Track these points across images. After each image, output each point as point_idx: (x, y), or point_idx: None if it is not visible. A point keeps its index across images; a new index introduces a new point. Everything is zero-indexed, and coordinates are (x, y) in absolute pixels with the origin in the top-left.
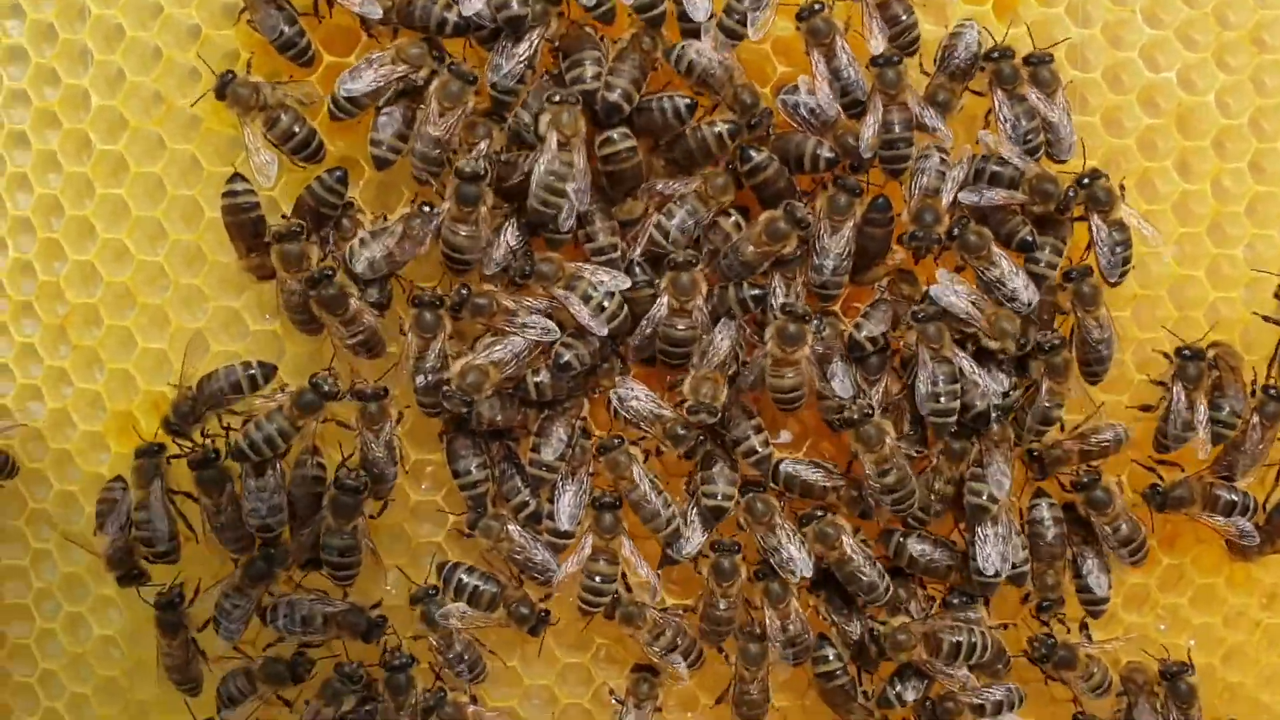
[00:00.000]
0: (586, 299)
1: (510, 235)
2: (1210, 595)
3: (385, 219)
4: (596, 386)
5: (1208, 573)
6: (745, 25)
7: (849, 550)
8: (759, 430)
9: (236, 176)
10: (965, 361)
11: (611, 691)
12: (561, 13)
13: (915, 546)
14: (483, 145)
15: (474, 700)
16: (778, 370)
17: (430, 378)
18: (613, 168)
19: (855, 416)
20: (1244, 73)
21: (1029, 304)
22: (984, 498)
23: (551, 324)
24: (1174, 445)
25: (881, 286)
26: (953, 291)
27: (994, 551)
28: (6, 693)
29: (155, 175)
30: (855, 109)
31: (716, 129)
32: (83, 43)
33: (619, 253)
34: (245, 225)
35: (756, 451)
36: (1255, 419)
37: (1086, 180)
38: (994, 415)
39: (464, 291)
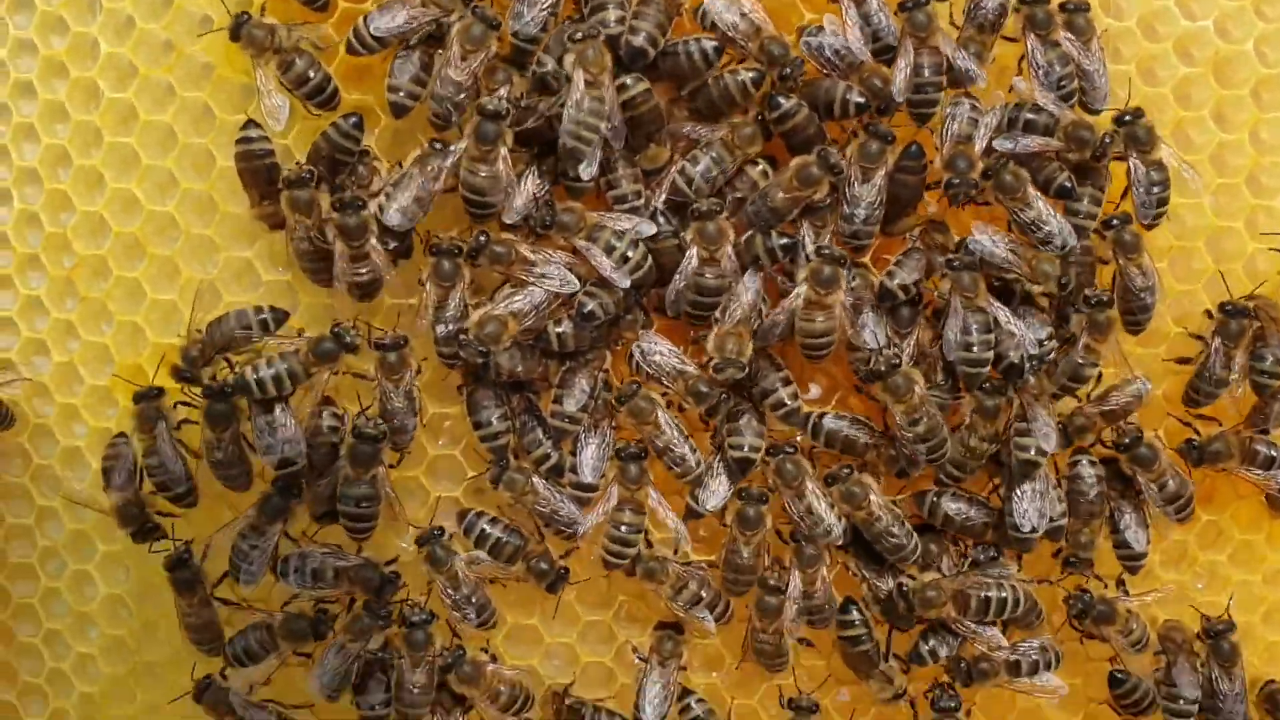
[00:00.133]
0: (609, 250)
1: (531, 183)
2: (1250, 552)
3: (401, 166)
4: (619, 339)
5: (1247, 529)
6: None
7: (877, 509)
8: (787, 383)
9: (251, 123)
10: (1001, 311)
11: (635, 649)
12: None
13: (950, 505)
14: (503, 91)
15: (493, 659)
16: (809, 314)
17: (451, 327)
18: (631, 113)
19: (883, 368)
20: None
21: (1067, 245)
22: (1032, 452)
23: (571, 276)
24: (1205, 400)
25: (913, 236)
26: (990, 240)
27: (1031, 507)
28: (11, 652)
29: (166, 124)
30: (885, 55)
31: (740, 77)
32: None
33: (642, 200)
34: (259, 172)
35: (785, 404)
36: None
37: (1127, 118)
38: (1028, 366)
39: (482, 238)
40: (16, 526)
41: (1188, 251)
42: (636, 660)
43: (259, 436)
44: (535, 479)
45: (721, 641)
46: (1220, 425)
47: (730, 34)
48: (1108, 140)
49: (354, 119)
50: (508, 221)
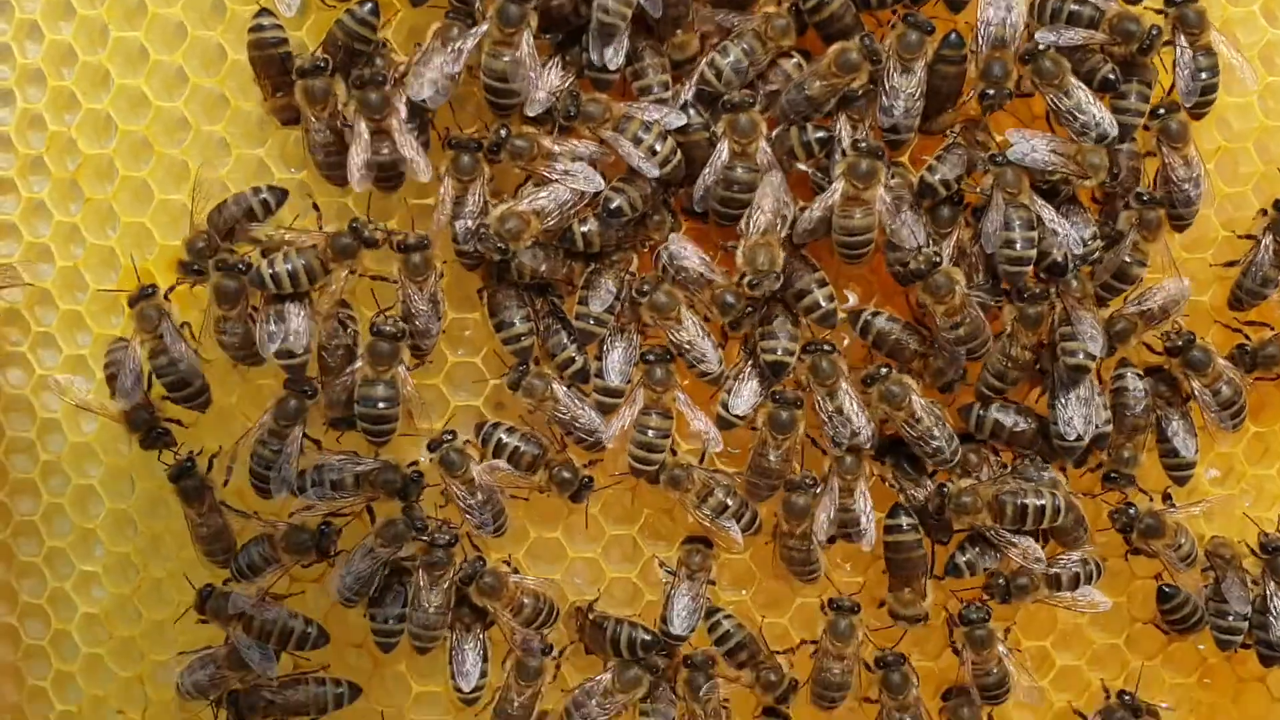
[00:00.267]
0: (637, 141)
1: (555, 74)
2: None
3: (420, 48)
4: (646, 240)
5: None
6: None
7: (918, 409)
8: (823, 284)
9: (264, 11)
10: (1046, 210)
11: (662, 563)
12: None
13: (999, 415)
14: None
15: (515, 571)
16: (847, 210)
17: (470, 223)
18: None
19: (923, 266)
20: None
21: (1106, 136)
22: (1080, 356)
23: (595, 174)
24: (1250, 301)
25: (954, 133)
26: (1030, 145)
27: (1077, 414)
28: (12, 573)
29: (175, 17)
30: None
31: None
32: None
33: (670, 93)
34: (272, 61)
35: (820, 306)
36: None
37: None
38: (1072, 266)
39: (502, 132)
40: (18, 440)
41: (1235, 153)
42: (664, 574)
43: (262, 325)
44: (555, 384)
45: (751, 558)
46: (1271, 329)
47: None
48: (1155, 33)
49: (369, 5)
50: (530, 114)
